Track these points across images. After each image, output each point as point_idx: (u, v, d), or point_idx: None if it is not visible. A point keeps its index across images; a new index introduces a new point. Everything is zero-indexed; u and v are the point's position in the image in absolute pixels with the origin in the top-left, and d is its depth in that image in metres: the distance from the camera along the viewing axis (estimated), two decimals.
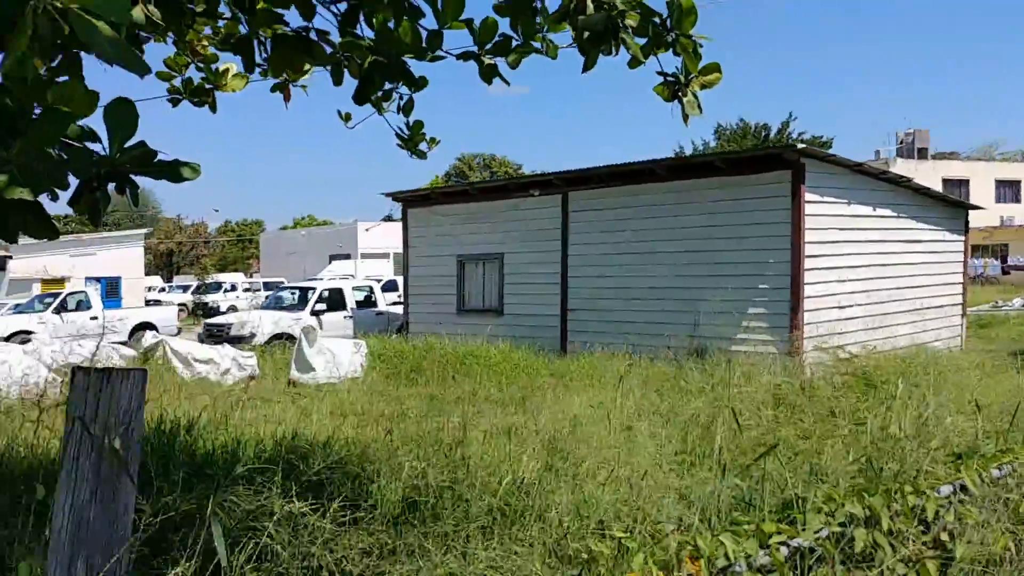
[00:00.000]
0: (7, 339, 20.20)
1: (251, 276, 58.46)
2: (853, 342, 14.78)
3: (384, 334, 18.96)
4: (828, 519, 3.26)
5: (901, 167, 51.97)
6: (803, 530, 3.15)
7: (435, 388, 13.98)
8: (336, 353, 15.20)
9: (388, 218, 54.52)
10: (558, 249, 17.14)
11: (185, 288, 47.87)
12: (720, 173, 14.64)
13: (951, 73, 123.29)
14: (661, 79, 3.86)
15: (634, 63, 3.81)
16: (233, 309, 36.15)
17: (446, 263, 19.48)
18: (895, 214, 16.03)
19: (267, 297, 25.53)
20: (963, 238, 18.47)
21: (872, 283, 15.47)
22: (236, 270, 68.68)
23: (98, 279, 37.15)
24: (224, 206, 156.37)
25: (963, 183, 56.49)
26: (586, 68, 3.84)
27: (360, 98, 4.34)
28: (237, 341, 19.05)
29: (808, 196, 13.78)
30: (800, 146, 13.12)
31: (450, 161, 73.52)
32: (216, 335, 20.04)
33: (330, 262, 43.76)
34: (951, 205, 18.00)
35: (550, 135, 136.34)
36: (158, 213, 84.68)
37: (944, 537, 3.60)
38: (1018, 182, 60.43)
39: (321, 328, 20.16)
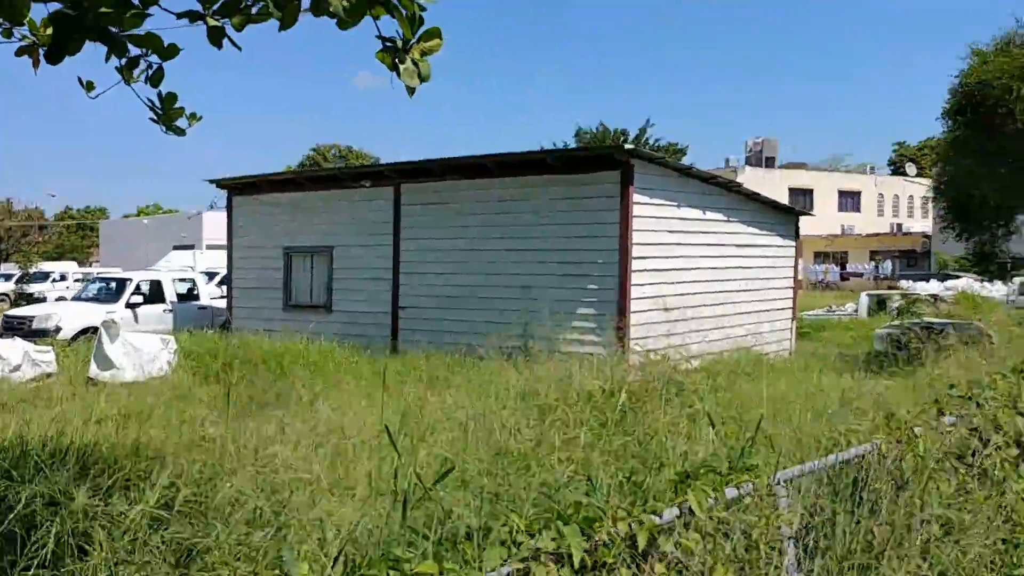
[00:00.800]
0: None
1: (90, 265, 55.07)
2: (681, 344, 14.76)
3: (206, 330, 17.80)
4: (511, 552, 2.78)
5: (750, 175, 53.93)
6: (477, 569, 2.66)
7: (242, 388, 13.09)
8: (140, 349, 14.05)
9: None
10: (390, 244, 16.47)
11: (8, 277, 44.42)
12: (553, 171, 14.34)
13: (809, 88, 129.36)
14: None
15: (342, 23, 3.26)
16: (62, 300, 33.68)
17: (273, 256, 18.48)
18: (726, 218, 16.14)
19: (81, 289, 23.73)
20: (794, 243, 18.87)
21: (702, 286, 15.52)
22: (74, 259, 64.58)
23: None
24: (67, 192, 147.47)
25: (808, 192, 59.10)
26: (282, 27, 3.26)
27: (53, 58, 3.59)
28: (41, 335, 17.50)
29: (636, 197, 13.63)
30: (628, 147, 12.93)
31: (304, 151, 71.74)
32: (16, 328, 18.33)
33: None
34: (782, 211, 18.35)
35: (431, 129, 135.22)
36: None
37: (660, 570, 3.17)
38: (859, 193, 63.75)
39: (137, 322, 18.84)
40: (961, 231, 21.59)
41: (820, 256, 56.74)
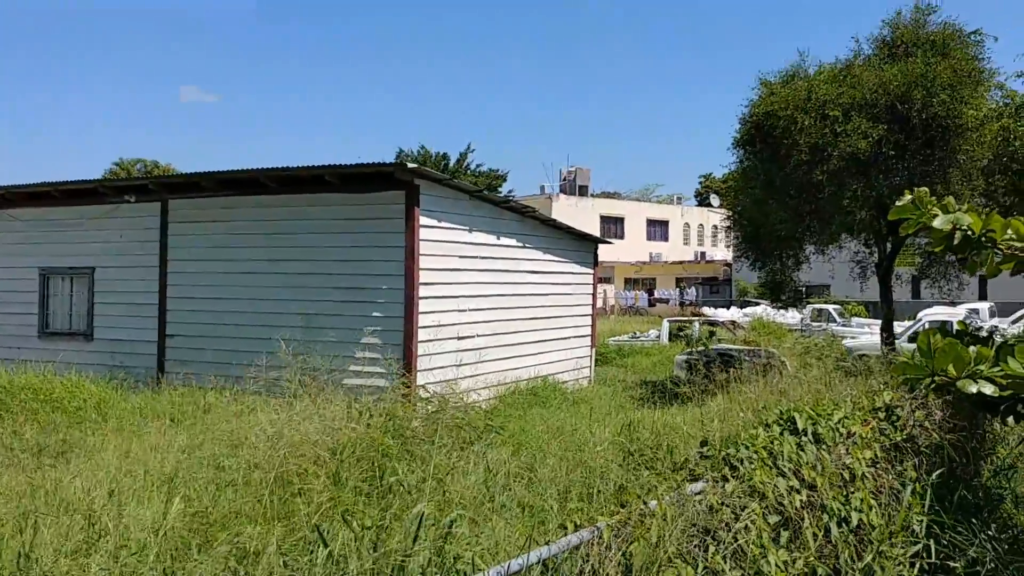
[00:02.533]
0: None
1: None
2: (474, 375, 14.06)
3: None
4: None
5: (563, 203, 54.76)
6: None
7: None
8: None
9: None
10: (156, 265, 14.87)
11: None
12: (334, 189, 13.31)
13: (625, 120, 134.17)
14: None
15: None
16: None
17: (27, 276, 16.39)
18: (521, 244, 15.64)
19: None
20: (592, 271, 18.66)
21: (496, 313, 14.90)
22: None
23: None
24: None
25: (619, 220, 60.70)
26: None
27: None
28: None
29: (424, 220, 12.82)
30: (412, 166, 12.11)
31: (106, 166, 67.02)
32: None
33: None
34: (580, 238, 18.09)
35: (248, 144, 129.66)
36: None
37: None
38: (667, 222, 66.15)
39: None
40: (754, 260, 22.16)
41: (630, 282, 58.32)
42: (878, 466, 5.25)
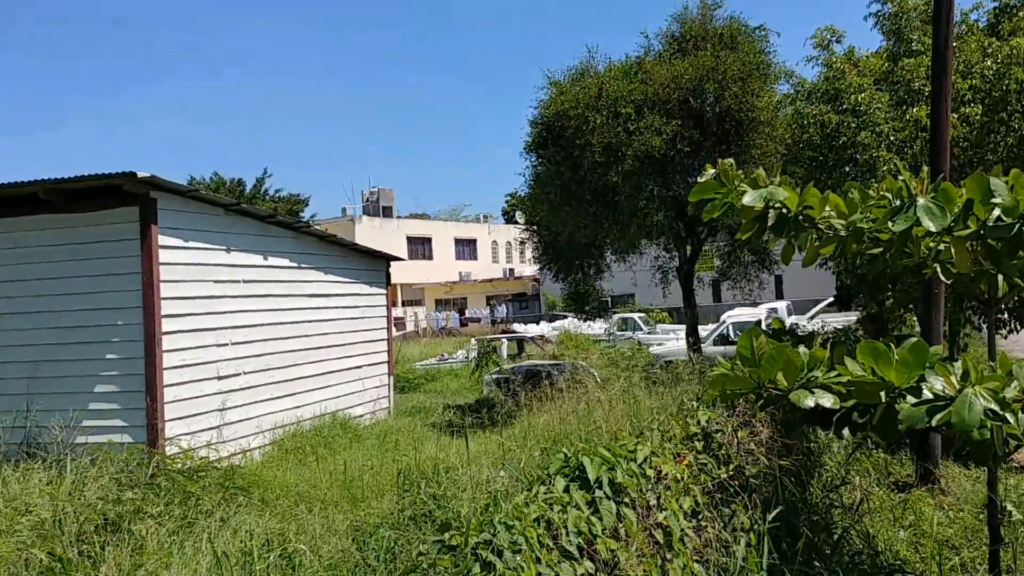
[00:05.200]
0: None
1: None
2: (240, 419, 12.07)
3: None
4: None
5: (367, 225, 52.75)
6: None
7: None
8: None
9: None
10: None
11: None
12: (52, 209, 10.99)
13: (433, 142, 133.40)
14: None
15: None
16: None
17: None
18: (296, 264, 13.77)
19: None
20: (385, 291, 17.00)
21: (267, 345, 12.95)
22: None
23: None
24: None
25: (427, 240, 59.34)
26: None
27: None
28: None
29: (164, 240, 10.74)
30: (143, 175, 10.02)
31: None
32: None
33: None
34: (369, 256, 16.39)
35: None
36: None
37: None
38: (475, 240, 65.44)
39: None
40: (556, 272, 21.27)
41: (441, 303, 57.01)
42: (700, 517, 3.95)
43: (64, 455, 9.83)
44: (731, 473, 4.41)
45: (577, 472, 3.60)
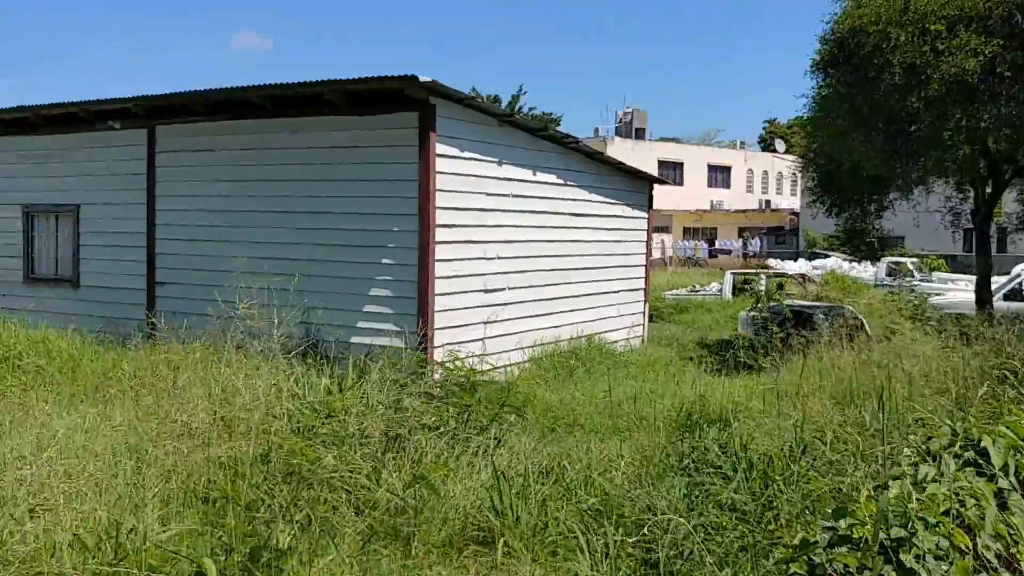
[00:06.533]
0: None
1: None
2: (505, 334, 12.00)
3: None
4: None
5: (618, 146, 51.88)
6: None
7: None
8: None
9: None
10: (143, 202, 12.98)
11: None
12: (338, 111, 11.19)
13: (683, 69, 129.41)
14: None
15: None
16: None
17: (11, 215, 14.68)
18: (563, 181, 13.39)
19: None
20: (646, 215, 16.33)
21: (531, 262, 12.75)
22: None
23: None
24: None
25: (678, 166, 57.66)
26: None
27: None
28: None
29: (441, 148, 10.65)
30: (425, 79, 9.88)
31: None
32: None
33: None
34: (633, 176, 15.74)
35: None
36: None
37: None
38: (729, 168, 62.84)
39: None
40: (831, 205, 19.56)
41: (689, 232, 55.45)
42: None
43: (342, 355, 10.19)
44: None
45: (971, 450, 2.84)
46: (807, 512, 4.12)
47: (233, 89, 11.42)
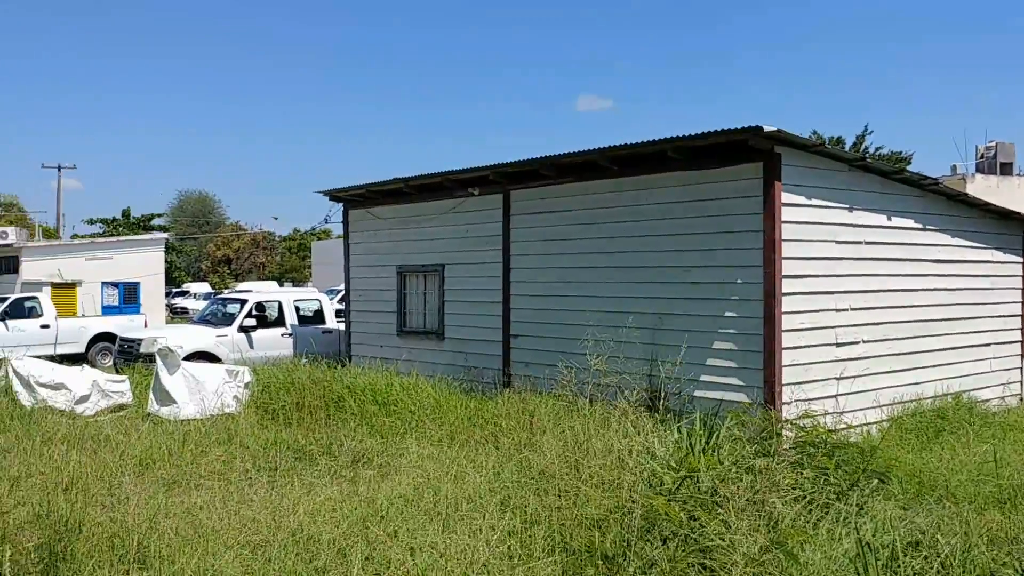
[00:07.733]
0: None
1: (305, 285, 56.07)
2: (856, 390, 11.33)
3: (324, 357, 16.09)
4: None
5: (980, 184, 46.85)
6: None
7: (301, 431, 11.09)
8: (202, 381, 12.43)
9: None
10: (499, 261, 14.04)
11: (209, 295, 46.11)
12: (676, 167, 11.36)
13: None
14: None
15: None
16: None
17: (388, 275, 16.56)
18: (921, 225, 12.45)
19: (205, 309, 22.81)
20: (1020, 259, 14.64)
21: (886, 313, 11.93)
22: (292, 280, 67.31)
23: (115, 284, 35.37)
24: (292, 214, 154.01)
25: None
26: None
27: None
28: (148, 359, 16.50)
29: (787, 197, 10.39)
30: (770, 129, 9.73)
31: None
32: (127, 352, 17.50)
33: None
34: (1002, 218, 14.22)
35: None
36: (224, 220, 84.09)
37: None
38: None
39: (252, 347, 17.53)
40: None
41: None
42: None
43: (686, 408, 10.21)
44: None
45: None
46: None
47: (578, 152, 12.05)
